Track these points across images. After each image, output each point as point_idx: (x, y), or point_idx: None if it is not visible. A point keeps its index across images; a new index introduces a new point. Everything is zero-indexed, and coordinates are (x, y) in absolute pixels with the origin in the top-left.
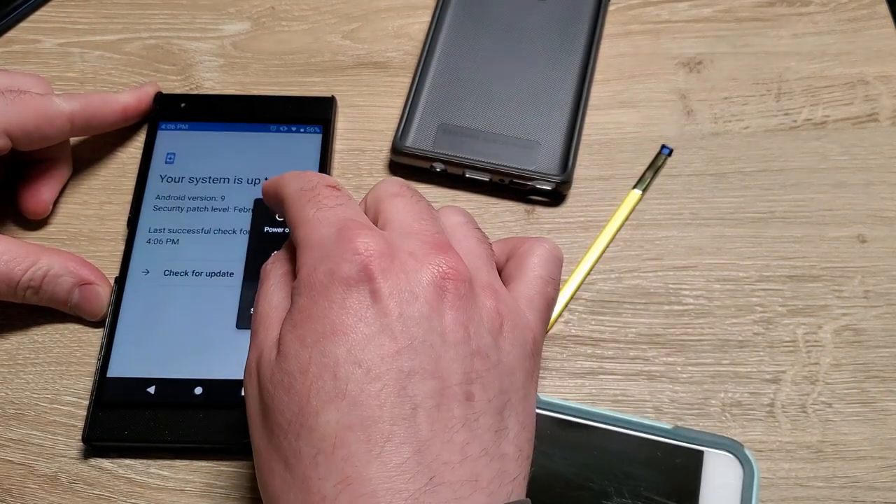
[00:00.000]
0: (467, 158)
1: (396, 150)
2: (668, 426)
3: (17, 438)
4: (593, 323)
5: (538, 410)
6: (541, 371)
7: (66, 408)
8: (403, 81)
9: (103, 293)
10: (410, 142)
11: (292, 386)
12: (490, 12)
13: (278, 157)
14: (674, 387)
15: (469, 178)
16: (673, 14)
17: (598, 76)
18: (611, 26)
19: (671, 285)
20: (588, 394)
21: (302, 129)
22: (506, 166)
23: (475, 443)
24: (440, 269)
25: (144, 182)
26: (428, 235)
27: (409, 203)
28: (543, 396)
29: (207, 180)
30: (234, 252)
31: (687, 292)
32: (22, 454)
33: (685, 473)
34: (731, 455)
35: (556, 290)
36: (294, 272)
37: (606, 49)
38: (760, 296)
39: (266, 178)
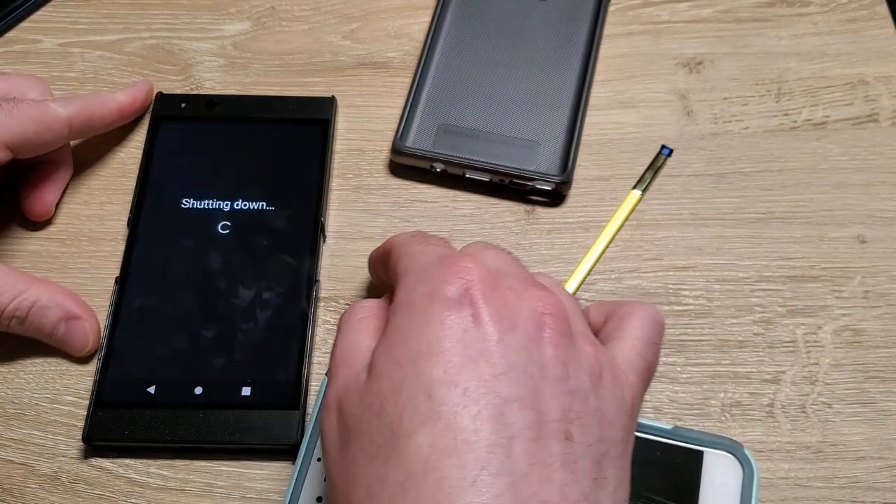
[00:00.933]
0: (467, 159)
1: (396, 150)
2: (667, 426)
3: (18, 438)
4: None
5: None
6: None
7: (67, 407)
8: (403, 82)
9: (90, 329)
10: (410, 142)
11: (384, 407)
12: (490, 12)
13: (278, 156)
14: (673, 387)
15: (469, 178)
16: (673, 14)
17: (598, 76)
18: (611, 26)
19: (671, 286)
20: None
21: (302, 129)
22: (506, 166)
23: (575, 486)
24: (541, 304)
25: (145, 182)
26: (525, 276)
27: (501, 252)
28: None
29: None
30: None
31: (687, 293)
32: (22, 454)
33: (685, 474)
34: (730, 455)
35: (657, 357)
36: (379, 318)
37: (606, 49)
38: (760, 296)
39: (265, 177)
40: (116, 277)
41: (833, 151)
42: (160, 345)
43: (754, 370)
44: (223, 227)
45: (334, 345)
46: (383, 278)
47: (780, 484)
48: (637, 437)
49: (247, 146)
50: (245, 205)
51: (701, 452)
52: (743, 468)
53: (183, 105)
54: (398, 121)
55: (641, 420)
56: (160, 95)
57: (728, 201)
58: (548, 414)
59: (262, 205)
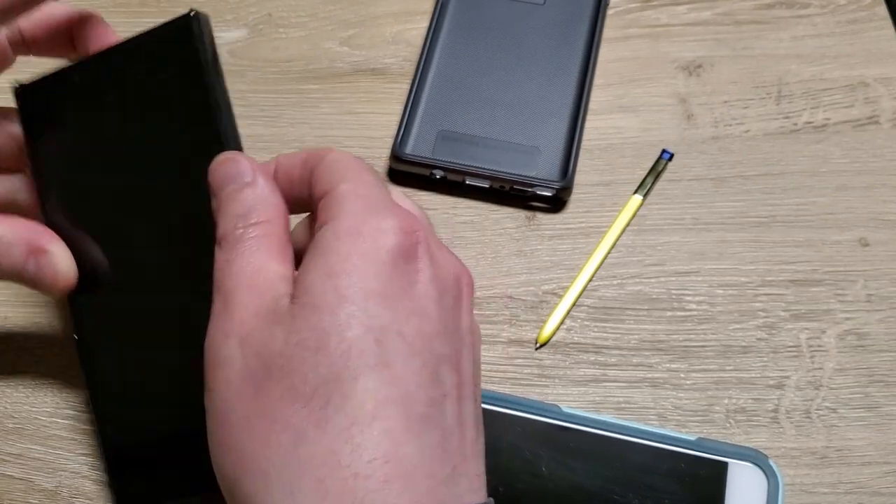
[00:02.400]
0: (467, 165)
1: (396, 157)
2: (691, 437)
3: (17, 453)
4: (596, 330)
5: (561, 423)
6: (545, 379)
7: (66, 421)
8: (402, 88)
9: (59, 261)
10: (410, 149)
11: (325, 345)
12: (488, 17)
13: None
14: (677, 393)
15: (469, 184)
16: (672, 18)
17: (597, 81)
18: (610, 30)
19: (673, 291)
20: (591, 401)
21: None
22: (506, 173)
23: (479, 441)
24: (460, 271)
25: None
26: (434, 235)
27: (375, 183)
28: (567, 409)
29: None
30: None
31: (689, 298)
32: (22, 469)
33: (709, 485)
34: (755, 466)
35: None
36: (280, 238)
37: (605, 53)
38: (763, 301)
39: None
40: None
41: (834, 154)
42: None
43: (758, 375)
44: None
45: (221, 264)
46: (295, 191)
47: (785, 490)
48: (661, 449)
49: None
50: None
51: (725, 464)
52: (768, 479)
53: (46, 96)
54: (397, 127)
55: (665, 432)
56: (20, 89)
57: (729, 205)
58: (464, 376)
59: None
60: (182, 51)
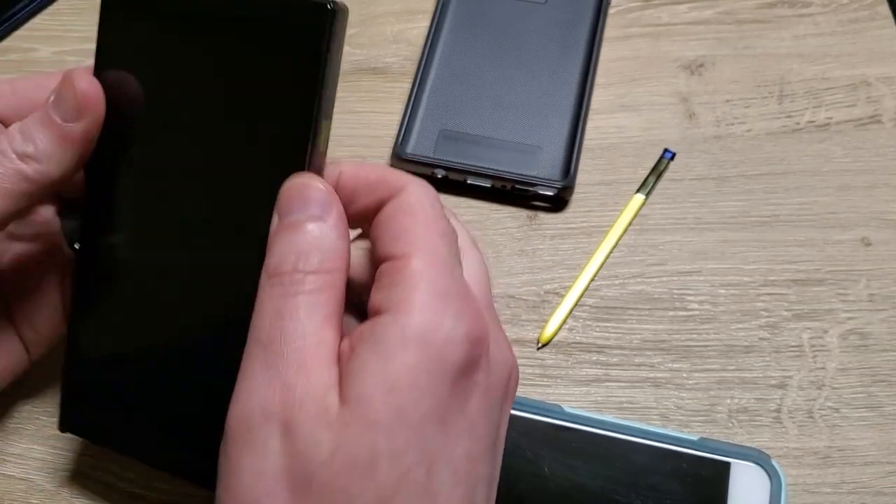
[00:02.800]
0: (469, 165)
1: (397, 156)
2: (693, 437)
3: (18, 453)
4: (598, 330)
5: (563, 423)
6: (547, 379)
7: None
8: (403, 87)
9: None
10: (411, 148)
11: (376, 469)
12: (489, 16)
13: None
14: (680, 393)
15: (471, 184)
16: (673, 17)
17: (598, 80)
18: (611, 29)
19: (676, 291)
20: (593, 401)
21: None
22: (508, 172)
23: None
24: (514, 368)
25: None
26: (496, 321)
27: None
28: (569, 409)
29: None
30: None
31: (692, 298)
32: (22, 469)
33: (712, 485)
34: (758, 466)
35: None
36: (337, 296)
37: (607, 53)
38: (765, 300)
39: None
40: None
41: (836, 153)
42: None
43: (761, 375)
44: None
45: (269, 309)
46: (352, 212)
47: (788, 490)
48: (664, 449)
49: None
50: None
51: (728, 464)
52: (770, 479)
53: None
54: (398, 127)
55: (667, 432)
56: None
57: (732, 205)
58: (493, 490)
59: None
60: (306, 38)
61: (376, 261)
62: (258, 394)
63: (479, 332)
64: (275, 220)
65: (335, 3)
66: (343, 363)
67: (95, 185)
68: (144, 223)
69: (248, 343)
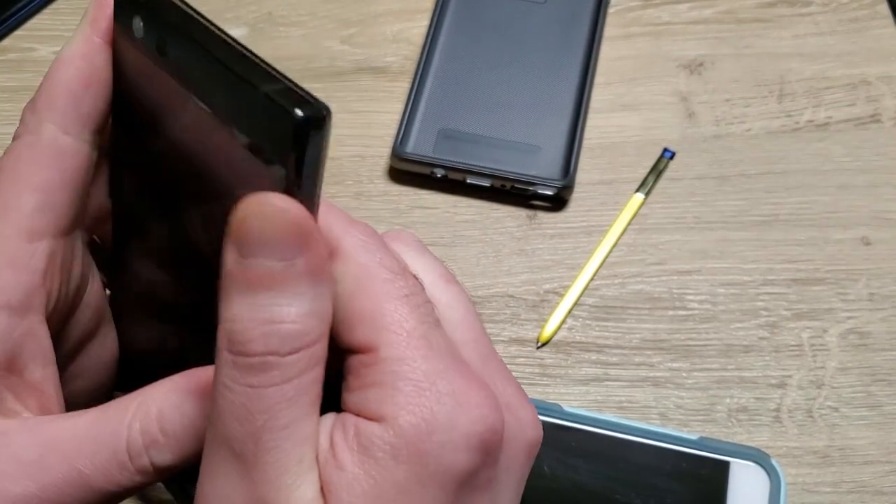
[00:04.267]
0: (468, 164)
1: (397, 156)
2: (693, 437)
3: None
4: (597, 329)
5: (563, 422)
6: (546, 378)
7: None
8: (403, 86)
9: None
10: (411, 147)
11: None
12: (489, 16)
13: None
14: (679, 393)
15: (470, 183)
16: (673, 16)
17: (598, 79)
18: (611, 29)
19: (675, 290)
20: (593, 401)
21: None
22: (507, 171)
23: None
24: (533, 448)
25: None
26: (518, 387)
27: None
28: (569, 408)
29: None
30: None
31: (691, 297)
32: None
33: (711, 484)
34: (757, 465)
35: None
36: (322, 368)
37: (607, 52)
38: (765, 300)
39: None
40: None
41: (836, 152)
42: None
43: (760, 375)
44: None
45: (242, 394)
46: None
47: (787, 489)
48: (663, 448)
49: None
50: None
51: (727, 463)
52: (770, 478)
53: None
54: (398, 126)
55: (667, 431)
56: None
57: (731, 204)
58: None
59: None
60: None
61: (340, 343)
62: (234, 495)
63: (488, 422)
64: (230, 256)
65: (314, 114)
66: (326, 471)
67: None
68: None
69: (209, 435)
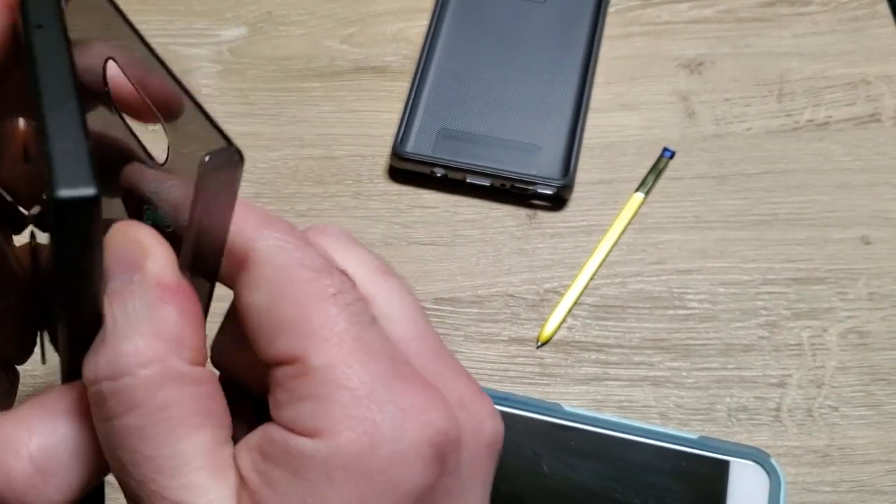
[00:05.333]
0: (468, 163)
1: (397, 155)
2: (693, 436)
3: None
4: (597, 328)
5: (562, 422)
6: (546, 378)
7: None
8: (402, 86)
9: None
10: (411, 147)
11: None
12: (489, 15)
13: None
14: (679, 392)
15: (470, 182)
16: (673, 15)
17: (598, 79)
18: (611, 28)
19: (675, 289)
20: (593, 400)
21: None
22: (507, 171)
23: None
24: (494, 444)
25: None
26: (473, 383)
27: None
28: (568, 407)
29: None
30: None
31: (691, 296)
32: None
33: (711, 484)
34: (757, 465)
35: None
36: (214, 418)
37: (607, 51)
38: (765, 299)
39: None
40: None
41: (836, 152)
42: None
43: (760, 374)
44: None
45: (126, 430)
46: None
47: (787, 489)
48: (663, 448)
49: None
50: None
51: (727, 462)
52: (770, 477)
53: None
54: (398, 125)
55: (667, 430)
56: None
57: (731, 203)
58: None
59: None
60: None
61: (262, 360)
62: None
63: (439, 427)
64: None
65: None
66: (251, 489)
67: None
68: None
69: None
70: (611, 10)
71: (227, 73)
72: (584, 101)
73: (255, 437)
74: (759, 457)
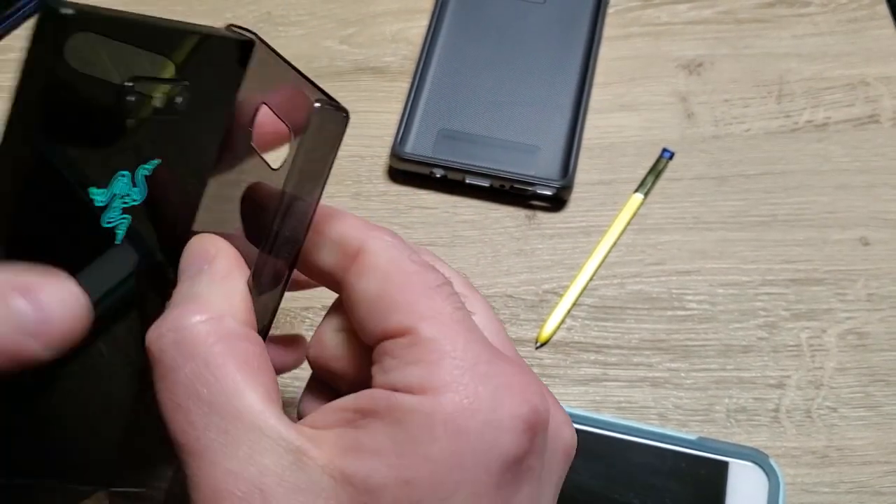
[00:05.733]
0: (467, 164)
1: (396, 156)
2: (692, 437)
3: None
4: (596, 329)
5: None
6: (545, 378)
7: None
8: (402, 87)
9: (67, 295)
10: (410, 148)
11: None
12: (488, 16)
13: None
14: (678, 393)
15: (469, 183)
16: (673, 16)
17: (598, 79)
18: (610, 29)
19: (674, 290)
20: (592, 401)
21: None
22: (506, 171)
23: None
24: (570, 453)
25: None
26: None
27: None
28: (567, 408)
29: None
30: None
31: (690, 297)
32: None
33: (710, 485)
34: (756, 466)
35: None
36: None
37: (606, 52)
38: (764, 300)
39: None
40: None
41: (835, 153)
42: None
43: (759, 375)
44: None
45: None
46: (323, 266)
47: (786, 490)
48: (662, 449)
49: None
50: None
51: (726, 463)
52: (768, 478)
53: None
54: (397, 126)
55: (666, 431)
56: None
57: (730, 204)
58: None
59: None
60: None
61: (369, 341)
62: (219, 470)
63: (534, 405)
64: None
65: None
66: (348, 434)
67: None
68: None
69: (176, 447)
70: (610, 10)
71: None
72: (583, 101)
73: (348, 400)
74: (757, 458)
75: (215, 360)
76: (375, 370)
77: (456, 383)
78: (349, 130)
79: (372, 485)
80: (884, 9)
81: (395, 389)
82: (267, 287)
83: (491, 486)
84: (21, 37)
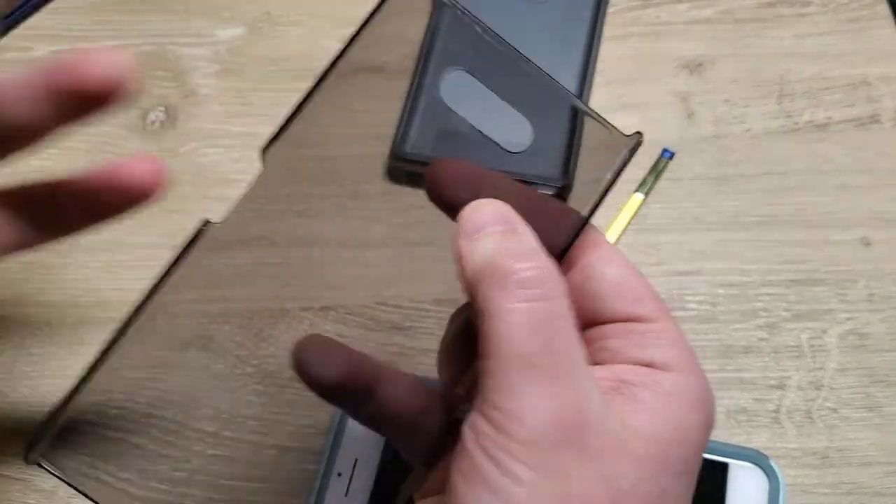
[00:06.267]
0: None
1: (396, 155)
2: None
3: (15, 453)
4: None
5: None
6: None
7: None
8: (401, 86)
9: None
10: (410, 147)
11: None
12: (488, 15)
13: None
14: None
15: None
16: (673, 16)
17: (598, 79)
18: (610, 28)
19: (674, 291)
20: None
21: None
22: (506, 171)
23: None
24: None
25: None
26: None
27: None
28: None
29: None
30: None
31: (690, 297)
32: (20, 469)
33: (710, 486)
34: (756, 467)
35: None
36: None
37: (606, 52)
38: (764, 300)
39: None
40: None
41: (836, 153)
42: None
43: (759, 376)
44: None
45: (512, 324)
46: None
47: (786, 491)
48: None
49: None
50: None
51: (726, 464)
52: (769, 479)
53: None
54: (397, 125)
55: None
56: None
57: (731, 204)
58: None
59: None
60: None
61: (607, 319)
62: (540, 417)
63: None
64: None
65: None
66: (619, 399)
67: None
68: None
69: (492, 363)
70: (610, 10)
71: (226, 73)
72: (583, 101)
73: (604, 371)
74: (758, 459)
75: (563, 308)
76: (618, 345)
77: (699, 368)
78: (348, 130)
79: (659, 440)
80: (884, 8)
81: (652, 365)
82: None
83: (701, 452)
84: (20, 36)
